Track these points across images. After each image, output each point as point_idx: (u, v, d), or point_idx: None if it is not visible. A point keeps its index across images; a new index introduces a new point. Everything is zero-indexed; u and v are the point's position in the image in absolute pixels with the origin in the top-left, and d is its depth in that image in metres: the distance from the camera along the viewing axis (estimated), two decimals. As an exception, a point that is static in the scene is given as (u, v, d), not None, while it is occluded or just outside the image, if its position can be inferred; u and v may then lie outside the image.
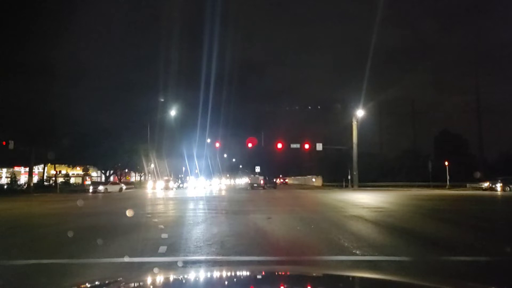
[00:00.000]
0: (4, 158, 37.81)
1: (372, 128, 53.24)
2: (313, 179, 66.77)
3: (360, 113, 44.21)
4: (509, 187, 34.67)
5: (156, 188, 43.43)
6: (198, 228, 10.48)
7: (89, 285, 2.28)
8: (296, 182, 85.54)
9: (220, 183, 74.83)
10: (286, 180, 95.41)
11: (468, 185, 41.19)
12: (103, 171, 54.29)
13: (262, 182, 49.42)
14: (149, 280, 2.42)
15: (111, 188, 38.32)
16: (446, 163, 42.53)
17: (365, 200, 21.77)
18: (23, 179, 45.57)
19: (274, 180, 59.35)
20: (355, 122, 44.12)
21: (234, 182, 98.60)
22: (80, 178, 55.95)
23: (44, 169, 47.78)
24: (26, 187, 39.19)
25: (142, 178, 64.16)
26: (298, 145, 45.68)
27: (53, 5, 33.89)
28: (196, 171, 62.80)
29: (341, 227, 10.54)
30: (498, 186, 35.13)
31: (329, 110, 57.02)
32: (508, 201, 25.06)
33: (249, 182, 52.53)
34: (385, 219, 12.36)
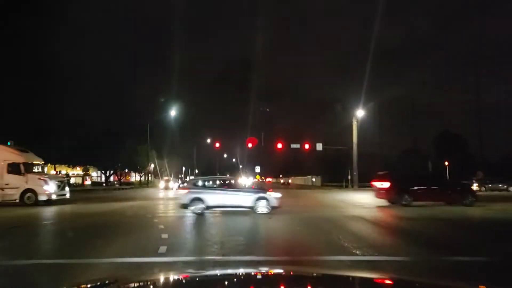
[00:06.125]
0: (4, 158, 37.69)
1: (372, 128, 53.04)
2: (313, 179, 66.69)
3: (360, 113, 44.06)
4: (485, 187, 35.99)
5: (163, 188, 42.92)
6: (198, 228, 10.49)
7: (89, 285, 2.28)
8: (296, 182, 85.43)
9: None
10: (282, 181, 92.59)
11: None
12: (103, 171, 54.31)
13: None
14: (149, 280, 2.42)
15: None
16: (446, 163, 42.51)
17: (365, 200, 21.75)
18: (23, 179, 45.37)
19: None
20: (355, 122, 44.00)
21: None
22: (80, 178, 55.90)
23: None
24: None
25: (143, 178, 64.14)
26: (298, 145, 45.54)
27: (53, 3, 33.81)
28: (196, 171, 62.88)
29: (341, 227, 10.53)
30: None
31: (329, 110, 57.07)
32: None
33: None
34: (385, 219, 12.36)
